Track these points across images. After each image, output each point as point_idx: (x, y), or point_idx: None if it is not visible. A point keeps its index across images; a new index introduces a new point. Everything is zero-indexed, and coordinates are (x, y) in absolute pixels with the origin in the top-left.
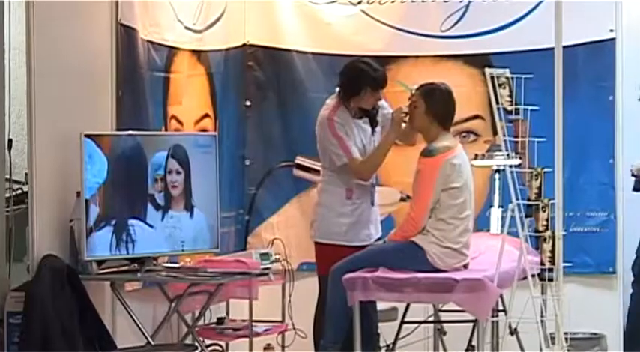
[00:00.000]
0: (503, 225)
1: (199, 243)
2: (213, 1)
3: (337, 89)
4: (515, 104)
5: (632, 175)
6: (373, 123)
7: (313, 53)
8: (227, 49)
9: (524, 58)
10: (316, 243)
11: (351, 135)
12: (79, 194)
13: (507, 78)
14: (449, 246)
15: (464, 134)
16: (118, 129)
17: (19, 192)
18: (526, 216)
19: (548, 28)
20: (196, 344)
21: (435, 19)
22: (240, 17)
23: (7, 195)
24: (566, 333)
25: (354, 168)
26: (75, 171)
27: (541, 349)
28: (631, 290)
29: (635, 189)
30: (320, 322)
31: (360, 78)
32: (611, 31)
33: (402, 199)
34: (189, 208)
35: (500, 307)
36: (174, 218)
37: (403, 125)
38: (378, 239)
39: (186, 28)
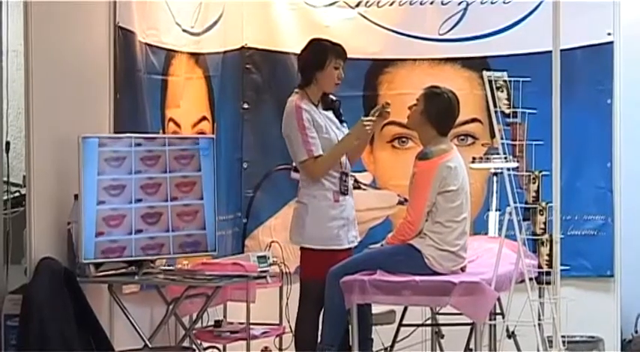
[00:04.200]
0: (500, 228)
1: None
2: (211, 3)
3: (296, 88)
4: (513, 107)
5: None
6: (338, 116)
7: None
8: (225, 52)
9: (522, 61)
10: (305, 249)
11: (321, 124)
12: (76, 196)
13: (505, 81)
14: (446, 249)
15: (462, 137)
16: (115, 132)
17: (17, 194)
18: (524, 220)
19: (546, 31)
20: (194, 346)
21: (432, 22)
22: (238, 20)
23: (5, 197)
24: (563, 337)
25: (310, 167)
26: (72, 173)
27: None
28: None
29: None
30: (304, 325)
31: (322, 49)
32: (609, 34)
33: (400, 202)
34: None
35: (498, 310)
36: None
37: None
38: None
39: (184, 30)
